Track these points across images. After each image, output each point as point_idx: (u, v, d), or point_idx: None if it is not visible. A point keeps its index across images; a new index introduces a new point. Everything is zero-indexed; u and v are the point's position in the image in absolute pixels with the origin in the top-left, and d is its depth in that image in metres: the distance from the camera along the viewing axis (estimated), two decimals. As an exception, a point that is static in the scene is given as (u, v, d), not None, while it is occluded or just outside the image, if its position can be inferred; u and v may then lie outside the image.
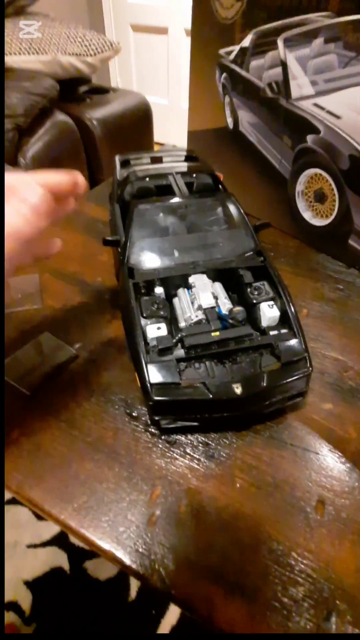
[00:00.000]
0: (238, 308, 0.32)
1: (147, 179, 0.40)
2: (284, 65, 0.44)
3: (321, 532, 0.25)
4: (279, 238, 0.52)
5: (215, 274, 0.35)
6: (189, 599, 0.23)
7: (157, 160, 0.46)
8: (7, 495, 0.81)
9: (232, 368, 0.29)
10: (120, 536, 0.25)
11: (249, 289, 0.33)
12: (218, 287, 0.35)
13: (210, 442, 0.30)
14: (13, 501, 0.81)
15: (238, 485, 0.27)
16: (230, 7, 0.45)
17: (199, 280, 0.33)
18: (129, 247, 0.35)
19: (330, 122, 0.42)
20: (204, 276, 0.34)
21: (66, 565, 0.73)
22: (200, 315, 0.31)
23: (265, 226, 0.39)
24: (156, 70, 1.98)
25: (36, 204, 0.23)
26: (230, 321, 0.31)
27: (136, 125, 1.36)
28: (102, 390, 0.33)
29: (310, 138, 0.44)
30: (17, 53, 1.14)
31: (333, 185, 0.44)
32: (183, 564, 0.24)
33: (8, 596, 0.70)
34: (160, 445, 0.29)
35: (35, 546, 0.76)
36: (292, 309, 0.32)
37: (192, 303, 0.33)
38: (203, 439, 0.30)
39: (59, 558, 0.74)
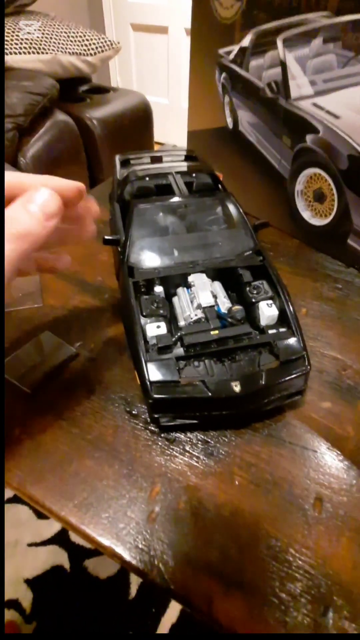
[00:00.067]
0: (237, 307, 0.32)
1: (147, 178, 0.40)
2: (283, 65, 0.44)
3: (319, 529, 0.26)
4: (278, 237, 0.52)
5: (215, 273, 0.35)
6: (188, 594, 0.23)
7: (157, 159, 0.46)
8: (8, 494, 0.81)
9: (231, 366, 0.29)
10: (120, 532, 0.25)
11: (248, 288, 0.34)
12: (217, 286, 0.35)
13: (209, 440, 0.30)
14: (13, 500, 0.82)
15: (237, 482, 0.28)
16: (230, 6, 0.46)
17: (198, 279, 0.34)
18: (129, 246, 0.35)
19: (329, 122, 0.42)
20: (204, 275, 0.34)
21: (66, 564, 0.74)
22: (200, 314, 0.32)
23: (264, 226, 0.39)
24: (156, 70, 1.98)
25: (46, 203, 0.23)
26: (230, 320, 0.31)
27: (136, 125, 1.37)
28: (102, 388, 0.33)
29: (309, 138, 0.44)
30: (17, 53, 1.14)
31: (332, 185, 0.44)
32: (182, 560, 0.24)
33: (9, 594, 0.70)
34: (159, 443, 0.30)
35: (35, 545, 0.76)
36: (291, 308, 0.32)
37: (192, 302, 0.33)
38: (202, 436, 0.30)
39: (59, 556, 0.75)
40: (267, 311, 0.32)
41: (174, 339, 0.30)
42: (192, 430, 0.30)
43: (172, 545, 0.25)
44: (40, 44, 1.17)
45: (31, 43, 1.15)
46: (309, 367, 0.30)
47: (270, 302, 0.32)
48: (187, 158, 0.48)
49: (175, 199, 0.38)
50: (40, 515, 0.80)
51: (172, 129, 1.98)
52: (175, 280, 0.34)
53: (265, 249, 0.36)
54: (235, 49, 0.48)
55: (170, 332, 0.31)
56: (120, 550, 0.24)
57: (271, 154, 0.50)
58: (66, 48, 1.20)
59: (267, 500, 0.27)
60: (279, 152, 0.49)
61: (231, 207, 0.39)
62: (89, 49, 1.24)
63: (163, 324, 0.30)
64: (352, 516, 0.26)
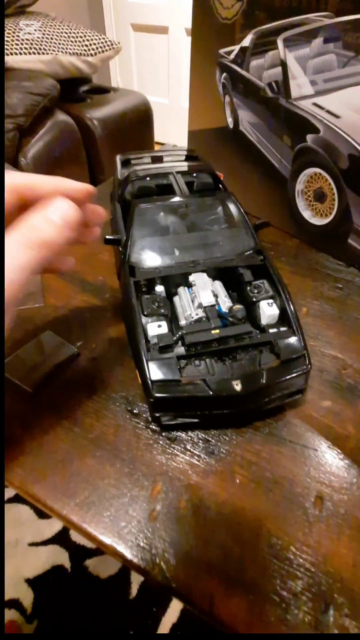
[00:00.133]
0: (238, 306, 0.32)
1: (148, 178, 0.40)
2: (283, 65, 0.44)
3: (320, 527, 0.26)
4: (279, 237, 0.52)
5: (216, 273, 0.35)
6: (190, 592, 0.23)
7: (157, 159, 0.46)
8: (8, 494, 0.81)
9: (232, 365, 0.29)
10: (122, 531, 0.25)
11: (248, 288, 0.34)
12: (218, 285, 0.35)
13: (210, 439, 0.30)
14: (14, 499, 0.82)
15: (238, 481, 0.28)
16: (230, 6, 0.46)
17: (199, 279, 0.34)
18: (130, 245, 0.35)
19: (329, 121, 0.42)
20: (204, 275, 0.34)
21: (67, 563, 0.74)
22: (201, 313, 0.32)
23: (265, 225, 0.39)
24: (157, 70, 1.98)
25: (67, 213, 0.23)
26: (230, 319, 0.31)
27: (137, 125, 1.37)
28: (104, 387, 0.33)
29: (309, 137, 0.44)
30: (18, 53, 1.14)
31: (332, 185, 0.44)
32: (183, 558, 0.24)
33: (10, 594, 0.70)
34: (161, 442, 0.30)
35: (36, 544, 0.76)
36: (292, 307, 0.32)
37: (193, 301, 0.33)
38: (203, 435, 0.30)
39: (60, 556, 0.75)
40: (268, 310, 0.32)
41: (175, 338, 0.30)
42: (193, 429, 0.30)
43: (174, 543, 0.25)
44: (41, 45, 1.17)
45: (31, 43, 1.16)
46: (309, 366, 0.30)
47: (270, 301, 0.32)
48: (188, 158, 0.48)
49: (176, 198, 0.38)
50: (40, 515, 0.80)
51: (172, 129, 1.98)
52: (176, 279, 0.34)
53: (265, 248, 0.37)
54: (235, 49, 0.48)
55: (171, 332, 0.31)
56: (121, 548, 0.25)
57: (272, 154, 0.50)
58: (66, 48, 1.20)
59: (268, 499, 0.27)
60: (279, 152, 0.49)
61: (232, 207, 0.39)
62: (89, 49, 1.24)
63: (164, 323, 0.30)
64: (352, 514, 0.26)
